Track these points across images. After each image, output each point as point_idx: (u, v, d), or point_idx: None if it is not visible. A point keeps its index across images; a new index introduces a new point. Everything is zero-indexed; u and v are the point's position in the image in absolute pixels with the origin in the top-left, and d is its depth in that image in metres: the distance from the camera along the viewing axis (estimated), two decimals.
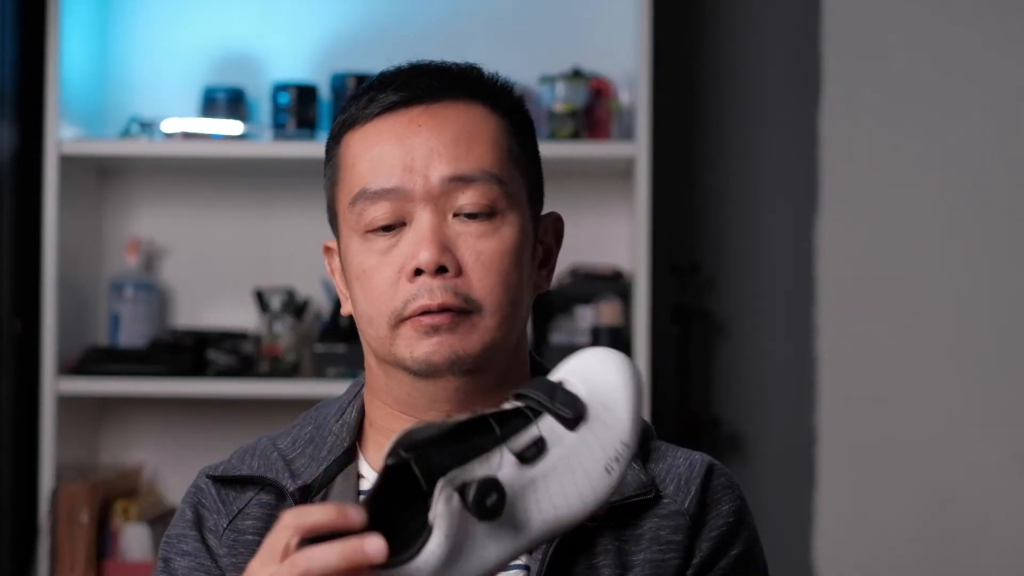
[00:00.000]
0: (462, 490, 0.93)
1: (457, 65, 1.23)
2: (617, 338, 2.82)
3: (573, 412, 0.96)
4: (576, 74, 2.86)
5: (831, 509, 2.99)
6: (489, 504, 0.93)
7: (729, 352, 3.04)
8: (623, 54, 2.90)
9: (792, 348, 3.03)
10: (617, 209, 2.93)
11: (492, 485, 0.93)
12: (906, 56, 3.03)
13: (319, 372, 2.81)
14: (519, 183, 1.20)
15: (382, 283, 1.17)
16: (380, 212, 1.17)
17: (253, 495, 1.21)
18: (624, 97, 2.91)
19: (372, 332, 1.18)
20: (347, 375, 2.73)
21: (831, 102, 3.02)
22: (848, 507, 2.99)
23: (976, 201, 3.00)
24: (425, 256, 1.14)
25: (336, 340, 2.82)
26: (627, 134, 2.85)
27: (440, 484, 0.93)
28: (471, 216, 1.17)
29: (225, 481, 1.23)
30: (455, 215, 1.17)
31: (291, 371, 2.86)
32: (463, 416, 0.97)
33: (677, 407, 2.96)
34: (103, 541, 2.73)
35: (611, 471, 0.96)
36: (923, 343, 3.00)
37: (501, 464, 0.95)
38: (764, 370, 3.04)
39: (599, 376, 0.99)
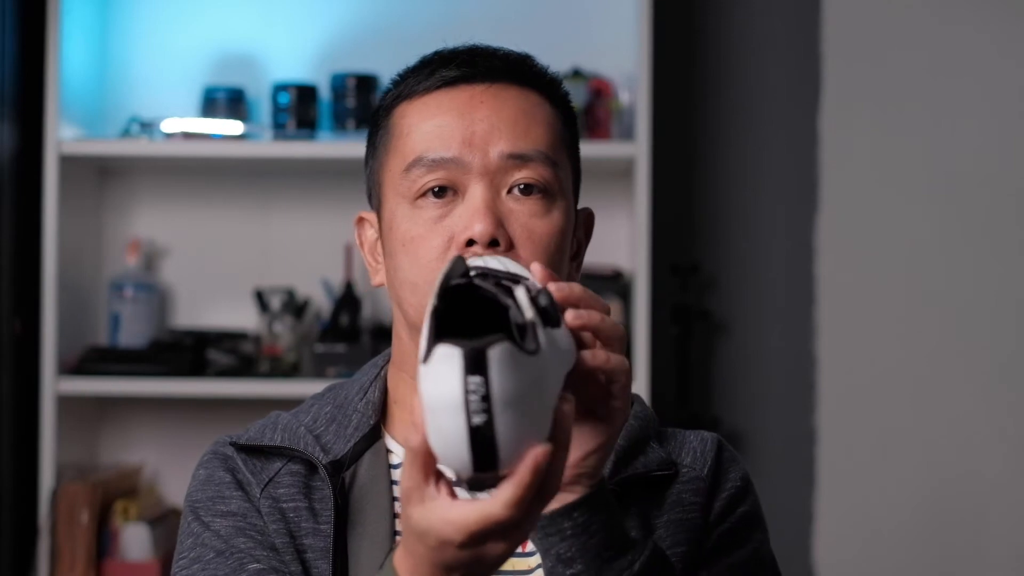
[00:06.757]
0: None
1: (513, 52, 1.26)
2: None
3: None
4: (576, 74, 2.86)
5: (831, 509, 2.99)
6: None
7: (729, 352, 3.04)
8: (623, 54, 2.90)
9: (792, 348, 3.03)
10: (617, 209, 2.93)
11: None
12: (906, 57, 3.03)
13: (319, 372, 2.80)
14: (568, 171, 1.24)
15: (430, 251, 1.18)
16: (435, 180, 1.19)
17: (282, 465, 1.22)
18: (624, 97, 2.91)
19: (414, 300, 1.19)
20: (347, 375, 2.72)
21: (831, 102, 3.02)
22: (848, 507, 2.99)
23: (976, 201, 3.00)
24: (479, 228, 1.16)
25: (336, 340, 2.82)
26: (627, 134, 2.85)
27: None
28: (525, 192, 1.19)
29: (251, 450, 1.24)
30: (508, 192, 1.19)
31: (291, 371, 2.86)
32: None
33: (677, 407, 2.96)
34: (103, 541, 2.73)
35: None
36: (922, 343, 3.00)
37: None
38: (764, 370, 3.04)
39: None
